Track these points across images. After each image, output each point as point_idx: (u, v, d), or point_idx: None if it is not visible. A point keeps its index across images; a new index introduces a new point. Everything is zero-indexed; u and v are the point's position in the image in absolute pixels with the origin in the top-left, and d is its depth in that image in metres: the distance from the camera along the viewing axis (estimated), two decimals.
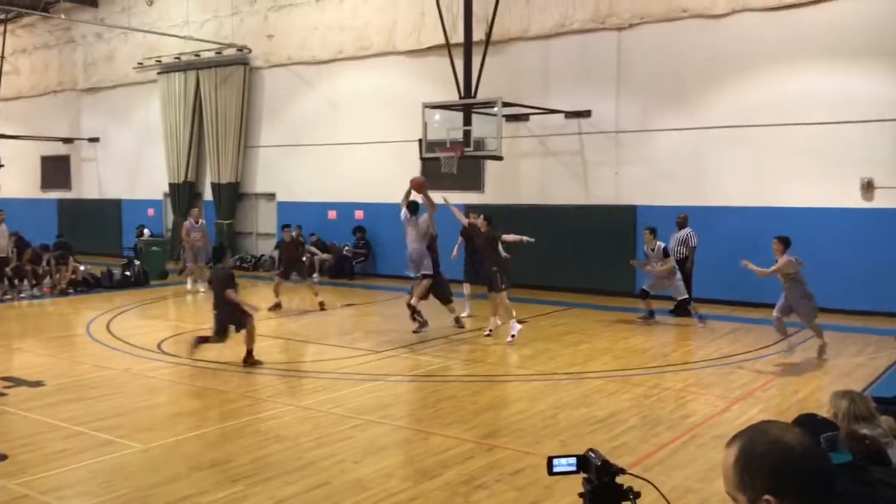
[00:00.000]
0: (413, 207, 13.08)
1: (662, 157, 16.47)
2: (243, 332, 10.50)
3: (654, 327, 13.42)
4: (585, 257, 16.82)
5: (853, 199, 14.46)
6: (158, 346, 11.88)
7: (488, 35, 16.10)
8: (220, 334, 10.50)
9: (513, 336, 11.85)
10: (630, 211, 16.83)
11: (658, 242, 13.89)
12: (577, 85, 17.31)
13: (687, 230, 14.70)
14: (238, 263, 22.69)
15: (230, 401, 8.79)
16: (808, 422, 3.20)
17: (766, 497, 1.68)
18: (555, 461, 2.14)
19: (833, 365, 10.56)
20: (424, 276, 12.94)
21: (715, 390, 9.25)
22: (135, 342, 12.07)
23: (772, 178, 15.30)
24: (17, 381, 9.60)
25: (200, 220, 18.12)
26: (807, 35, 14.72)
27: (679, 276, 13.80)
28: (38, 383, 9.50)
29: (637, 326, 13.61)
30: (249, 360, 10.49)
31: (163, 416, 8.27)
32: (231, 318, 10.51)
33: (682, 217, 14.84)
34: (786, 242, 10.87)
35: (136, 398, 8.98)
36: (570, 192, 17.63)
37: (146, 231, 23.38)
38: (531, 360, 10.93)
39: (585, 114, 17.22)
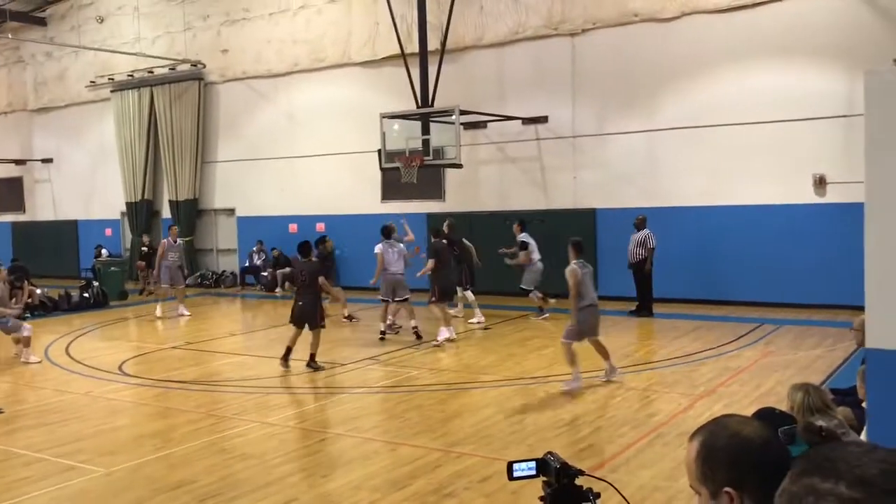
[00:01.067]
0: (387, 233, 13.17)
1: (619, 160, 16.67)
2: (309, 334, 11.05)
3: (616, 327, 13.52)
4: (547, 262, 16.92)
5: (806, 196, 14.75)
6: (120, 367, 11.70)
7: (443, 44, 16.19)
8: (298, 324, 11.19)
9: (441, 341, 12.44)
10: (589, 214, 17.00)
11: (521, 235, 14.95)
12: (534, 91, 17.45)
13: (645, 231, 14.87)
14: (199, 281, 22.47)
15: (194, 420, 8.69)
16: (766, 415, 3.26)
17: (727, 489, 1.71)
18: (515, 466, 2.15)
19: (793, 359, 10.75)
20: (406, 299, 13.22)
21: (678, 388, 9.37)
22: (95, 364, 11.87)
23: (727, 176, 15.56)
24: None
25: (178, 240, 17.65)
26: (757, 35, 15.03)
27: (534, 267, 14.73)
28: None
29: (604, 327, 13.69)
30: (313, 364, 10.94)
31: (125, 439, 8.14)
32: (308, 315, 11.06)
33: (641, 219, 15.02)
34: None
35: (98, 421, 8.83)
36: (530, 198, 17.75)
37: (104, 251, 23.03)
38: (497, 366, 10.97)
39: (542, 119, 17.37)
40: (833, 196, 14.53)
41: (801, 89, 14.67)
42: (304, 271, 11.26)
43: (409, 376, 10.56)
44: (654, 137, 16.27)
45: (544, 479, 2.14)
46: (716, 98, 15.50)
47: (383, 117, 15.92)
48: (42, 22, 25.75)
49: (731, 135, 15.35)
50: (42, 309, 17.80)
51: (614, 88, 16.59)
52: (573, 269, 9.47)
